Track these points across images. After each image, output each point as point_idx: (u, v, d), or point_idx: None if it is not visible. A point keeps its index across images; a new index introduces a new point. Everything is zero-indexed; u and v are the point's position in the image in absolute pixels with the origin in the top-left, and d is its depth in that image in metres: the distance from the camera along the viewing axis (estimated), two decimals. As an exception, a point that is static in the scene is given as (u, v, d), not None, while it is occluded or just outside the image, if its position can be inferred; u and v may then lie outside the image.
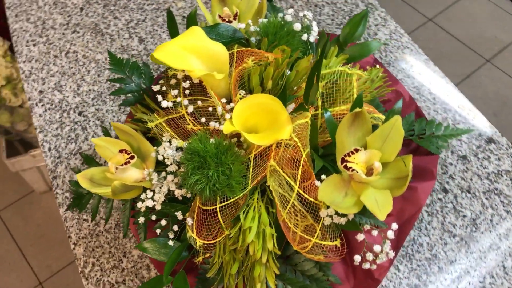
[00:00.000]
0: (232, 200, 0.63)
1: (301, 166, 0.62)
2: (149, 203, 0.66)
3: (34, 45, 1.23)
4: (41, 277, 1.88)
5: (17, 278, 1.89)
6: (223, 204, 0.63)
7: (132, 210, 0.73)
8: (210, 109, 0.66)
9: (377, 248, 0.64)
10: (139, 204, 0.68)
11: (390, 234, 0.65)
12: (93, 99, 1.12)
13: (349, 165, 0.61)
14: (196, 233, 0.65)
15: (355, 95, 0.67)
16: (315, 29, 0.72)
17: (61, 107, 1.11)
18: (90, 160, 0.77)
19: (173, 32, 0.77)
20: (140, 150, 0.72)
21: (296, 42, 0.68)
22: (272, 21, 0.68)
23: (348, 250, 0.70)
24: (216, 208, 0.63)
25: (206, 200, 0.64)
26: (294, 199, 0.63)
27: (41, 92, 1.14)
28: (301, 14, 0.74)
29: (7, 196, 2.08)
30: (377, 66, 0.86)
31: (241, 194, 0.62)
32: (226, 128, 0.62)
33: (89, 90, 1.14)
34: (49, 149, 1.06)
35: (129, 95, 0.78)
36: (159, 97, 0.67)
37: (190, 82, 0.68)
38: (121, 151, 0.69)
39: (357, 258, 0.64)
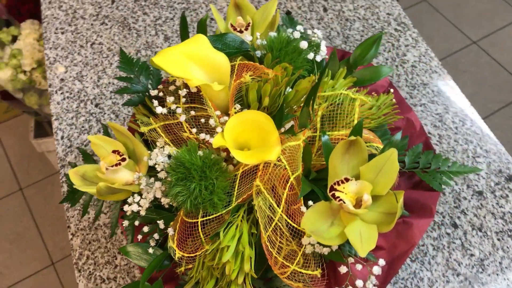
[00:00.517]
0: (214, 215, 0.62)
1: (286, 189, 0.60)
2: (135, 207, 0.66)
3: (62, 33, 1.25)
4: (54, 258, 1.92)
5: (31, 255, 1.94)
6: (205, 218, 0.62)
7: (122, 211, 0.72)
8: (203, 120, 0.65)
9: (359, 283, 0.61)
10: (126, 207, 0.67)
11: (376, 270, 0.62)
12: (111, 92, 1.13)
13: (337, 194, 0.59)
14: (177, 244, 0.64)
15: (355, 121, 0.65)
16: (323, 48, 0.69)
17: (79, 97, 1.12)
18: (87, 156, 0.77)
19: (184, 36, 0.76)
20: (135, 152, 0.71)
21: (301, 61, 0.66)
22: (278, 37, 0.66)
23: (334, 280, 0.67)
24: (198, 222, 0.62)
25: (188, 212, 0.62)
26: (278, 222, 0.61)
27: (62, 80, 1.16)
28: (309, 31, 0.72)
29: (32, 175, 2.13)
30: (391, 91, 0.83)
31: (224, 211, 0.61)
32: (216, 141, 0.60)
33: (109, 83, 1.14)
34: (62, 138, 1.07)
35: (134, 95, 0.77)
36: (155, 102, 0.67)
37: (188, 90, 0.67)
38: (114, 151, 0.68)
39: (342, 290, 0.62)
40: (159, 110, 0.65)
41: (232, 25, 0.74)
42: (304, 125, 0.60)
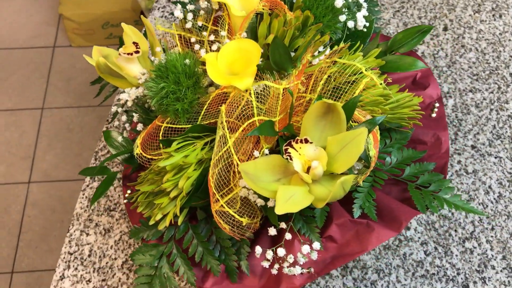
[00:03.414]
0: (177, 126, 0.62)
1: (244, 125, 0.58)
2: (125, 96, 0.68)
3: None
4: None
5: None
6: (168, 125, 0.62)
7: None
8: (212, 37, 0.65)
9: (290, 258, 0.58)
10: (121, 95, 0.70)
11: (306, 249, 0.58)
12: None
13: (290, 150, 0.56)
14: (142, 142, 0.65)
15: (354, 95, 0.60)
16: (360, 18, 0.65)
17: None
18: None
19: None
20: (155, 53, 0.74)
21: (330, 18, 0.62)
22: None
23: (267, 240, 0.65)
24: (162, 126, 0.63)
25: (162, 116, 0.63)
26: (226, 157, 0.59)
27: None
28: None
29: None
30: (437, 105, 0.75)
31: (186, 125, 0.61)
32: (207, 56, 0.60)
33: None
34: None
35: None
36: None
37: (209, 6, 0.67)
38: (134, 43, 0.71)
39: (258, 250, 0.59)
40: (177, 13, 0.66)
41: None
42: (280, 65, 0.57)
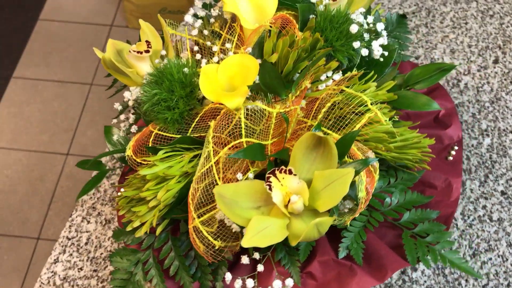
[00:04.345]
0: (167, 134, 0.60)
1: (229, 145, 0.55)
2: (128, 94, 0.67)
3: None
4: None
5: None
6: (160, 132, 0.60)
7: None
8: (209, 43, 0.62)
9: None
10: (125, 93, 0.69)
11: (277, 284, 0.55)
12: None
13: (271, 179, 0.52)
14: (134, 144, 0.64)
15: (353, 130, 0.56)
16: (376, 47, 0.60)
17: None
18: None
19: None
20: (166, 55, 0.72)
21: (342, 43, 0.58)
22: (337, 10, 0.59)
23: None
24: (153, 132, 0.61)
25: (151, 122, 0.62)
26: (207, 173, 0.56)
27: None
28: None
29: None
30: (455, 148, 0.70)
31: (174, 135, 0.58)
32: (206, 68, 0.58)
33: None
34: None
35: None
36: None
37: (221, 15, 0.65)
38: (147, 41, 0.70)
39: (228, 276, 0.56)
40: (188, 18, 0.64)
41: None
42: (271, 88, 0.53)
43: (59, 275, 0.86)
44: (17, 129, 2.09)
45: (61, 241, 0.90)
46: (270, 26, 0.57)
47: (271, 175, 0.53)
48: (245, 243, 0.49)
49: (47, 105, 2.16)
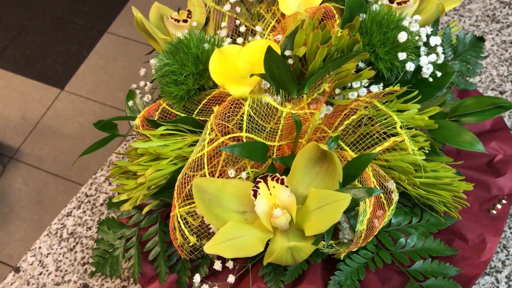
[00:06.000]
0: (174, 111, 0.55)
1: (227, 137, 0.49)
2: (152, 61, 0.63)
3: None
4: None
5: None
6: (167, 107, 0.56)
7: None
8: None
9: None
10: (151, 61, 0.65)
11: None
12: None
13: (260, 185, 0.46)
14: (144, 114, 0.60)
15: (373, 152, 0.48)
16: (424, 63, 0.51)
17: None
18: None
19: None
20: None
21: (386, 51, 0.50)
22: (388, 14, 0.51)
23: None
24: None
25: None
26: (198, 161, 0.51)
27: None
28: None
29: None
30: (504, 201, 0.59)
31: (179, 112, 0.54)
32: (227, 47, 0.52)
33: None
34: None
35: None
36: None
37: None
38: (188, 11, 0.66)
39: (197, 278, 0.50)
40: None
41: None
42: (280, 83, 0.46)
43: (67, 229, 0.85)
44: (99, 81, 2.14)
45: (79, 196, 0.89)
46: (305, 17, 0.50)
47: (261, 180, 0.46)
48: (208, 248, 0.43)
49: (131, 65, 2.20)
